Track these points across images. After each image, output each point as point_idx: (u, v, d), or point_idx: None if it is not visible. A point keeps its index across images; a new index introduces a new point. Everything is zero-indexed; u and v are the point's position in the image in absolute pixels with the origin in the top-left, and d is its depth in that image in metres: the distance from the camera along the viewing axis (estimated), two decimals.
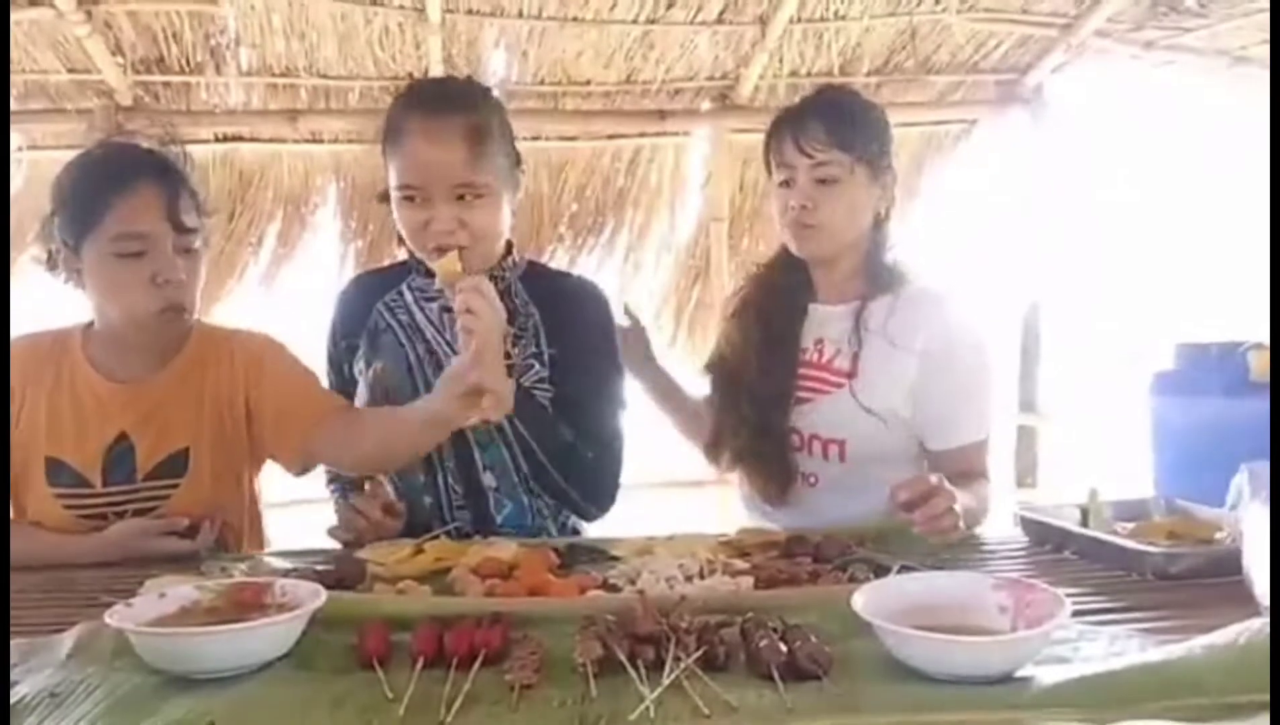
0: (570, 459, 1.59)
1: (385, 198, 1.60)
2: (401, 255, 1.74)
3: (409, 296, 1.68)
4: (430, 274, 1.64)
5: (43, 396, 1.53)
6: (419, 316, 1.66)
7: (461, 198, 1.49)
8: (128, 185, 1.45)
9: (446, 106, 1.51)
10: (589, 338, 1.66)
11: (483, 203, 1.52)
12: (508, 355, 1.50)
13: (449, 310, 1.63)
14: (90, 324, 1.58)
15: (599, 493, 1.64)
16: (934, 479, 1.36)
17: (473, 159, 1.49)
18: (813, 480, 1.72)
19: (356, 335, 1.68)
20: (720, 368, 1.84)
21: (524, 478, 1.62)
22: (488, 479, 1.62)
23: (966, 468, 1.63)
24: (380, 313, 1.68)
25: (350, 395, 1.67)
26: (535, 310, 1.64)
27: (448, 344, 1.63)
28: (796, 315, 1.76)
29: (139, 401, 1.53)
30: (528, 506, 1.64)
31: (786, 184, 1.68)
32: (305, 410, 1.56)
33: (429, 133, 1.48)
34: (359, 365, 1.67)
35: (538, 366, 1.60)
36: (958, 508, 1.35)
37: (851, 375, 1.67)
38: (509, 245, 1.67)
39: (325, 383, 1.68)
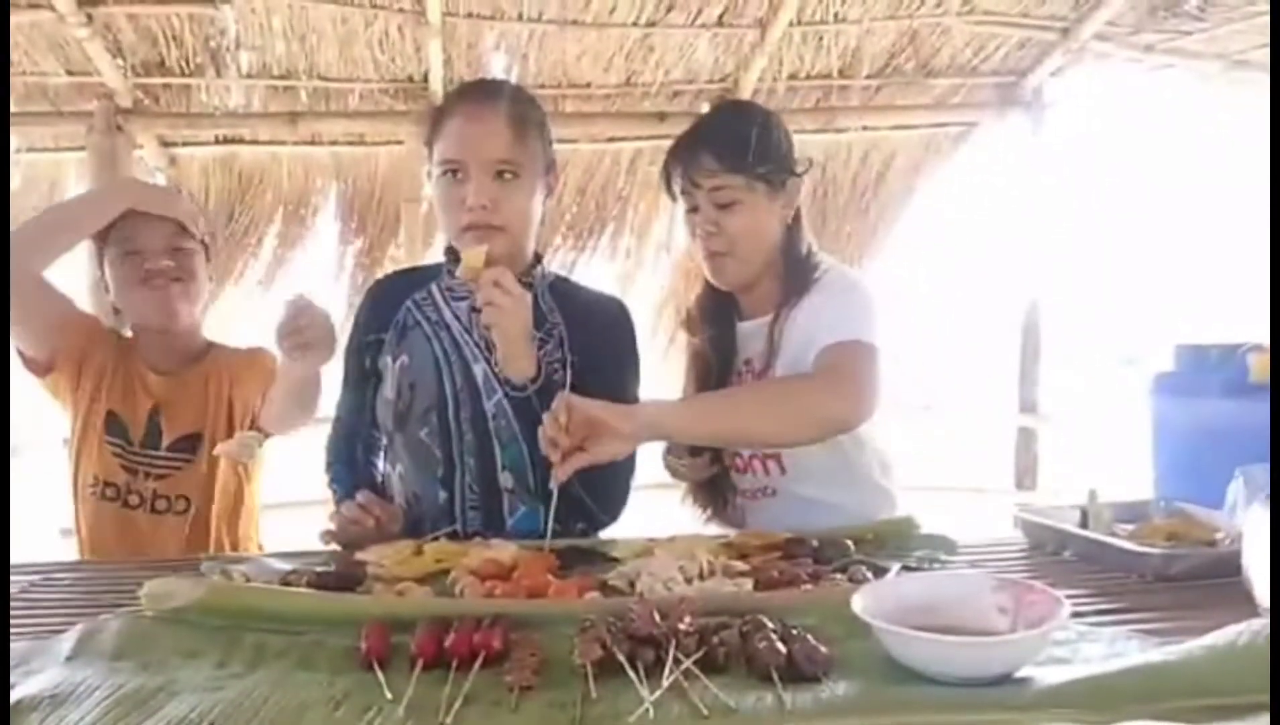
0: None
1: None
2: (409, 259, 1.77)
3: (437, 295, 1.71)
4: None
5: (115, 367, 1.89)
6: (446, 314, 1.69)
7: (500, 175, 1.55)
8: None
9: (493, 95, 1.61)
10: (611, 349, 1.68)
11: (518, 185, 1.57)
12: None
13: (476, 309, 1.64)
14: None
15: (611, 498, 1.64)
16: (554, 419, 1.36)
17: (515, 140, 1.56)
18: (772, 493, 1.73)
19: (383, 330, 1.70)
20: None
21: (540, 480, 1.62)
22: (505, 479, 1.62)
23: (826, 364, 1.54)
24: (410, 310, 1.71)
25: (369, 388, 1.70)
26: (560, 318, 1.67)
27: (472, 341, 1.65)
28: (727, 339, 1.78)
29: (167, 388, 1.90)
30: (541, 512, 1.64)
31: (692, 211, 1.70)
32: (259, 378, 1.88)
33: (474, 113, 1.57)
34: (385, 359, 1.68)
35: (560, 371, 1.61)
36: (583, 428, 1.36)
37: None
38: (537, 256, 1.72)
39: (341, 374, 1.75)
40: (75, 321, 1.91)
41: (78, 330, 1.90)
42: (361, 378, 1.71)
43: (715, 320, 1.80)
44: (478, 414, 1.62)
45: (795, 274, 1.71)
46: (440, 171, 1.58)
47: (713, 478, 1.77)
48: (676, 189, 1.72)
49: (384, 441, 1.73)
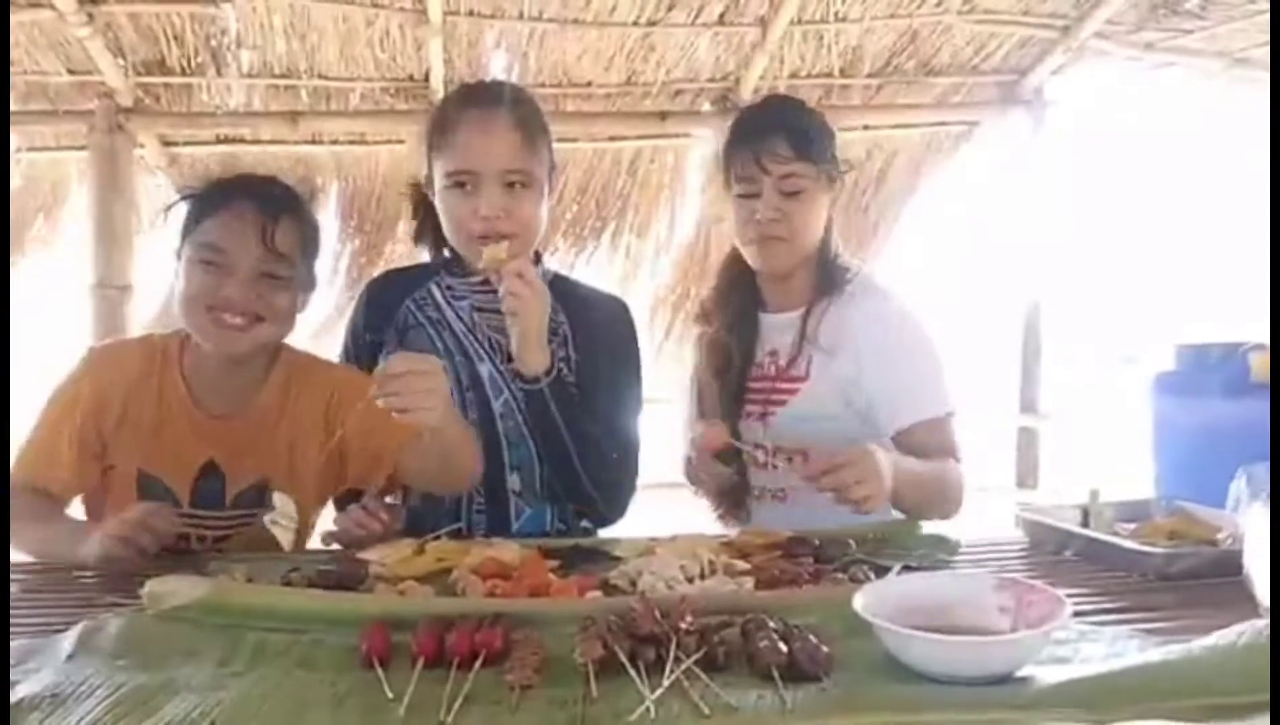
0: (595, 455, 1.60)
1: (417, 194, 1.67)
2: (399, 257, 1.76)
3: (438, 295, 1.70)
4: (462, 272, 1.66)
5: (141, 409, 1.53)
6: (448, 314, 1.68)
7: (510, 186, 1.55)
8: (229, 201, 1.49)
9: (500, 101, 1.58)
10: (614, 347, 1.69)
11: (528, 194, 1.57)
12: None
13: (479, 309, 1.65)
14: (187, 337, 1.56)
15: (617, 495, 1.66)
16: (852, 453, 1.40)
17: (523, 148, 1.56)
18: (782, 495, 1.72)
19: (382, 331, 1.68)
20: (693, 388, 1.86)
21: (546, 482, 1.63)
22: (513, 481, 1.63)
23: (923, 446, 1.62)
24: (409, 310, 1.69)
25: None
26: (564, 317, 1.66)
27: (476, 341, 1.65)
28: (749, 329, 1.77)
29: (228, 433, 1.54)
30: (547, 514, 1.65)
31: (750, 196, 1.68)
32: (389, 437, 1.50)
33: (483, 122, 1.55)
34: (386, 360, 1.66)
35: (565, 369, 1.61)
36: (875, 482, 1.39)
37: (803, 381, 1.69)
38: (537, 255, 1.71)
39: None
40: (71, 466, 1.51)
41: (81, 459, 1.52)
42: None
43: (737, 310, 1.79)
44: (485, 415, 1.62)
45: (827, 271, 1.74)
46: (449, 182, 1.56)
47: (733, 485, 1.74)
48: (737, 172, 1.69)
49: None
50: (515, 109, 1.58)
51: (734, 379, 1.75)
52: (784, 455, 1.70)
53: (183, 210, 1.52)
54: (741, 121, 1.74)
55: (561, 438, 1.56)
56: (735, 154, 1.70)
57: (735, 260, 1.81)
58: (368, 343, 1.70)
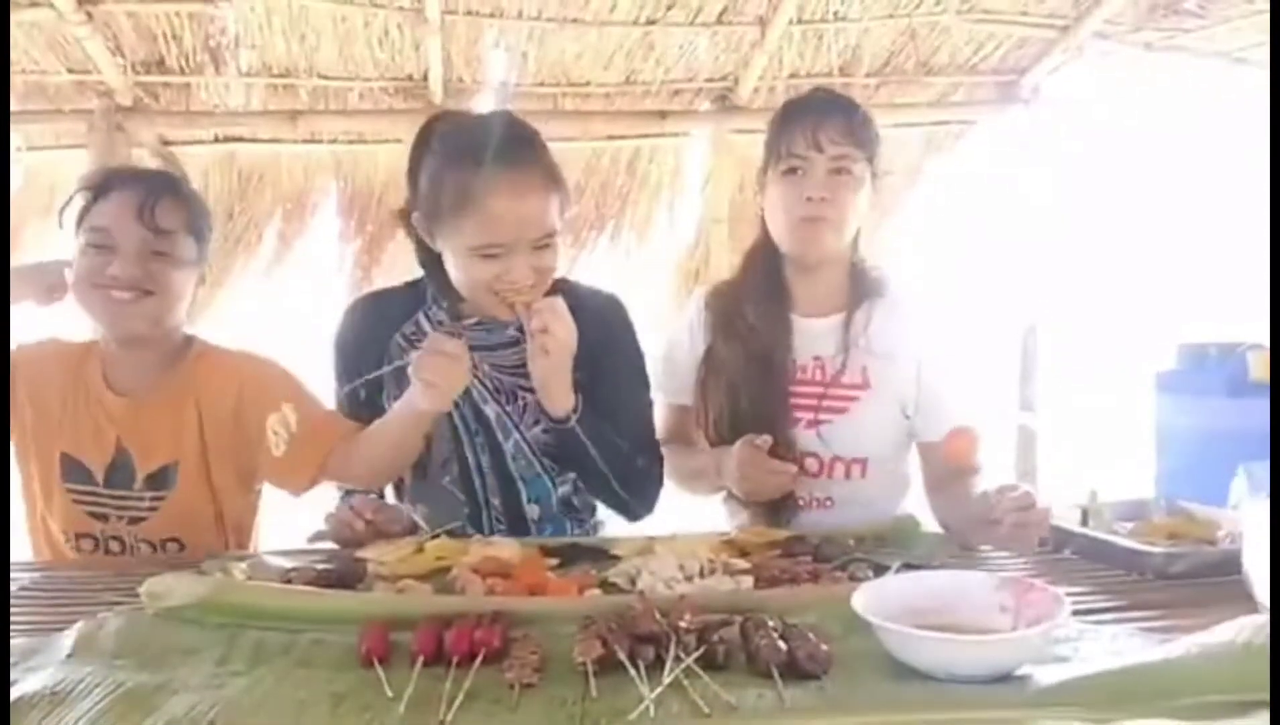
0: (626, 465, 1.60)
1: (404, 217, 1.58)
2: (408, 257, 1.70)
3: (429, 329, 1.62)
4: (455, 313, 1.61)
5: (64, 398, 1.60)
6: None
7: (538, 248, 1.47)
8: (112, 188, 1.56)
9: (523, 156, 1.46)
10: (618, 347, 1.67)
11: (554, 247, 1.49)
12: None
13: (474, 347, 1.54)
14: None
15: (648, 493, 1.67)
16: (1027, 489, 1.37)
17: (553, 207, 1.48)
18: (828, 503, 1.70)
19: (376, 366, 1.58)
20: (705, 389, 1.77)
21: (561, 503, 1.65)
22: (531, 512, 1.63)
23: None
24: (400, 348, 1.61)
25: (364, 420, 1.61)
26: None
27: (480, 383, 1.60)
28: (784, 330, 1.71)
29: (134, 414, 1.60)
30: (567, 526, 1.67)
31: (794, 171, 1.64)
32: (315, 440, 1.56)
33: (513, 188, 1.43)
34: (386, 403, 1.60)
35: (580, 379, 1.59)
36: (1048, 520, 1.37)
37: (862, 388, 1.67)
38: None
39: (335, 406, 1.66)
40: None
41: None
42: (355, 412, 1.63)
43: (768, 308, 1.72)
44: (498, 457, 1.61)
45: (858, 274, 1.74)
46: (477, 253, 1.45)
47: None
48: (787, 149, 1.64)
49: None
50: (540, 161, 1.48)
51: (780, 382, 1.68)
52: (842, 463, 1.68)
53: (76, 206, 1.57)
54: (795, 104, 1.72)
55: (596, 465, 1.56)
56: (787, 132, 1.65)
57: (761, 255, 1.75)
58: (362, 383, 1.58)
